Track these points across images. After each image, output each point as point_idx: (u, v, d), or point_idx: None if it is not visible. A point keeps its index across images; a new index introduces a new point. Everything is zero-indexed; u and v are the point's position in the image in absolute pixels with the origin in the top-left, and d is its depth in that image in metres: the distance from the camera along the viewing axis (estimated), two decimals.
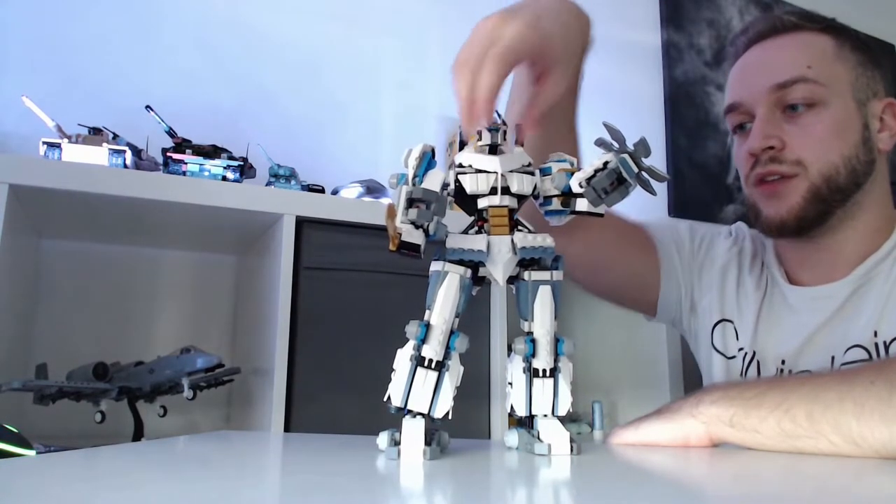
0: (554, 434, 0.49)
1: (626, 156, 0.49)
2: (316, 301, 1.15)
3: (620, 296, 0.97)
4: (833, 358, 0.77)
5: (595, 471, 0.46)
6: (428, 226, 0.48)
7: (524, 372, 0.50)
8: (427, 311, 0.50)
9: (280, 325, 1.09)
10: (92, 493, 0.35)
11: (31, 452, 0.64)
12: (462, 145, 0.54)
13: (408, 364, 0.49)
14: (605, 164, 0.50)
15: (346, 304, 1.17)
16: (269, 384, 1.08)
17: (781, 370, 0.81)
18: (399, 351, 0.50)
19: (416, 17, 1.80)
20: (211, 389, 1.16)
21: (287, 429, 1.06)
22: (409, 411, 0.49)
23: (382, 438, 0.49)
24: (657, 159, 2.16)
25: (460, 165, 0.51)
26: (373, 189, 1.32)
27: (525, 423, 0.52)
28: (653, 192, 0.51)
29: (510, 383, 0.52)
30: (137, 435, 1.15)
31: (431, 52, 1.80)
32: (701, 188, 2.21)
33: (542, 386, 0.50)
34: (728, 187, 2.28)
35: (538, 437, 0.50)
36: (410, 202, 0.47)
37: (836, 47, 0.77)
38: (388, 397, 0.49)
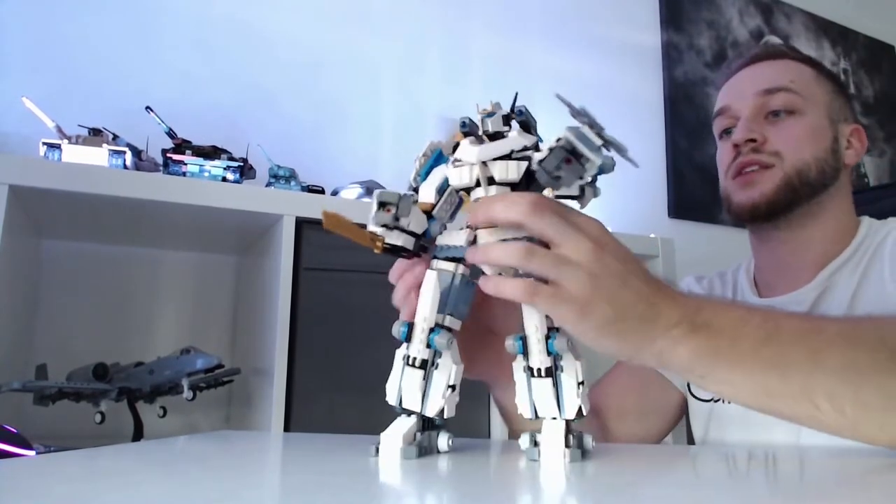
0: (548, 440, 0.47)
1: (580, 128, 0.45)
2: (316, 301, 1.15)
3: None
4: None
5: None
6: (409, 225, 0.48)
7: (524, 371, 0.48)
8: None
9: (280, 325, 1.09)
10: (92, 493, 0.35)
11: (31, 452, 0.64)
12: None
13: (399, 363, 0.50)
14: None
15: (346, 305, 1.18)
16: (268, 384, 1.08)
17: None
18: (397, 350, 0.51)
19: (416, 18, 1.80)
20: (211, 390, 1.17)
21: (287, 429, 1.06)
22: (406, 409, 0.49)
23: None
24: (657, 160, 2.17)
25: (456, 160, 0.50)
26: (372, 190, 1.32)
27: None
28: (634, 164, 0.47)
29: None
30: (137, 435, 1.15)
31: (431, 52, 1.80)
32: (701, 189, 2.20)
33: (541, 386, 0.47)
34: None
35: (535, 442, 0.48)
36: (381, 205, 0.48)
37: (815, 74, 0.88)
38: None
